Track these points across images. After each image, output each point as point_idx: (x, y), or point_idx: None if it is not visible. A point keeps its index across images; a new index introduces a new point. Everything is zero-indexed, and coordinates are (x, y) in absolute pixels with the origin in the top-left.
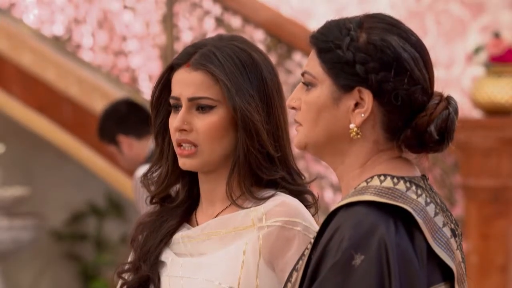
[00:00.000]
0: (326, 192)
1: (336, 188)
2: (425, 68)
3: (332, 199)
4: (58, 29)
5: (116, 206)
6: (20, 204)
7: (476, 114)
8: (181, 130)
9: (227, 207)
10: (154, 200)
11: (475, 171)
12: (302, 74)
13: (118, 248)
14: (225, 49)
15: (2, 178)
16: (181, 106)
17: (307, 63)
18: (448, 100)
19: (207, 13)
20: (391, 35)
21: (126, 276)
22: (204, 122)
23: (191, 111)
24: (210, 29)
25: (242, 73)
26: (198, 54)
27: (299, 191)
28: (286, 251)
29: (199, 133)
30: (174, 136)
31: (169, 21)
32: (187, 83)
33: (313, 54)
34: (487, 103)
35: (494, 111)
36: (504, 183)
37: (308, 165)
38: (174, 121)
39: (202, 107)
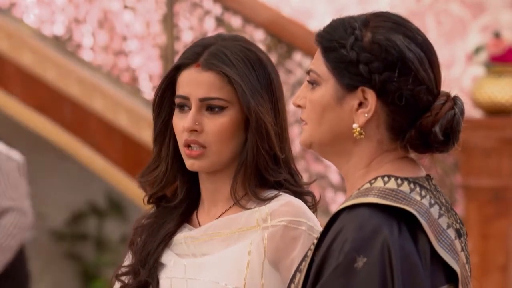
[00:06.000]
0: (326, 192)
1: (336, 188)
2: (430, 68)
3: (332, 199)
4: (58, 29)
5: (116, 206)
6: None
7: (476, 114)
8: (191, 130)
9: (230, 207)
10: (151, 200)
11: (475, 171)
12: (308, 72)
13: (119, 248)
14: (234, 49)
15: None
16: (188, 106)
17: (313, 61)
18: (455, 100)
19: (207, 13)
20: (396, 34)
21: (124, 279)
22: (214, 123)
23: (201, 112)
24: (211, 29)
25: (252, 74)
26: (208, 54)
27: (300, 192)
28: (291, 251)
29: (209, 134)
30: (182, 136)
31: (169, 21)
32: (198, 83)
33: (318, 52)
34: (487, 103)
35: (495, 111)
36: (505, 183)
37: (308, 165)
38: (183, 121)
39: (213, 108)
